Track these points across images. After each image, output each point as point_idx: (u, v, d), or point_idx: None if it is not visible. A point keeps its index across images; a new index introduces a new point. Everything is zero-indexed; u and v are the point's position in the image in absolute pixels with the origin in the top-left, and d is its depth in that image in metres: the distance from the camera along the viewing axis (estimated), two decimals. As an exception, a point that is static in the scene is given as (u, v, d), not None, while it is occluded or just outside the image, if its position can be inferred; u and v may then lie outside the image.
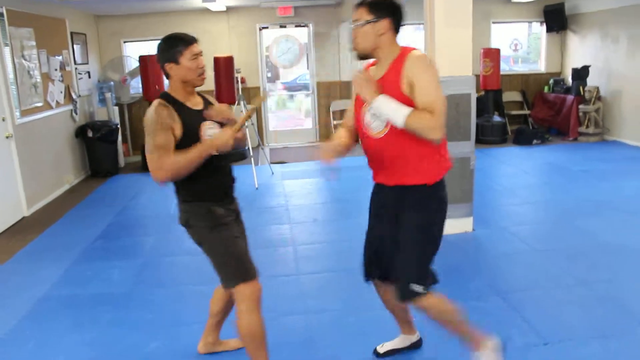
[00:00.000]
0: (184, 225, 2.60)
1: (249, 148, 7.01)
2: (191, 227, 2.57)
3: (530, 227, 5.02)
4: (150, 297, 3.83)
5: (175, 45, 2.45)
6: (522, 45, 10.56)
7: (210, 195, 2.54)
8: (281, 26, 9.51)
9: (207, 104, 2.63)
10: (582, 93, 8.94)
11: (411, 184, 2.36)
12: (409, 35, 10.24)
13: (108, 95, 8.25)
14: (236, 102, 7.30)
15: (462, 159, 4.73)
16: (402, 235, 2.40)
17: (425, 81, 2.18)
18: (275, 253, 4.62)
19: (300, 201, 6.21)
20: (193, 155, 2.36)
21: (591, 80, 9.07)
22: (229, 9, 9.04)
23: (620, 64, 8.66)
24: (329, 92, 9.80)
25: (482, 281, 3.85)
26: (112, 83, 8.61)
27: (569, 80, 9.59)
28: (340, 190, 6.56)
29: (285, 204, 6.10)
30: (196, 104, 2.57)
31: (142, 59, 7.84)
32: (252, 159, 7.07)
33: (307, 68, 10.21)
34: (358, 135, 2.53)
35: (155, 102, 2.45)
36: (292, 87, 14.04)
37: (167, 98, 2.48)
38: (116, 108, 8.44)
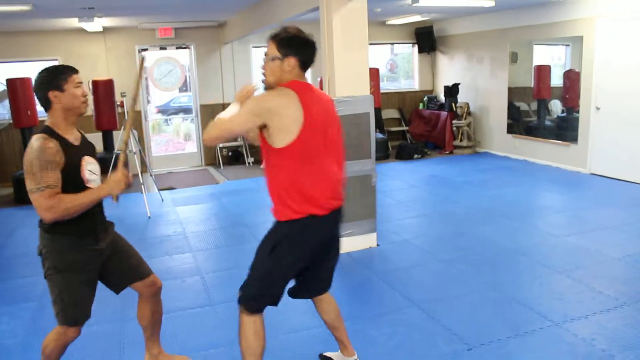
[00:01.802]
0: (39, 254, 2.53)
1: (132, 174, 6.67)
2: (44, 260, 2.50)
3: (431, 238, 5.28)
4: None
5: (59, 73, 2.41)
6: (398, 65, 11.18)
7: (73, 231, 2.45)
8: (162, 48, 9.21)
9: (85, 140, 2.59)
10: (454, 109, 9.64)
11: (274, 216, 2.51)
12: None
13: (-30, 123, 7.43)
14: (122, 127, 6.90)
15: (363, 176, 4.87)
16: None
17: (244, 105, 2.41)
18: (183, 284, 4.41)
19: (197, 227, 6.00)
20: (87, 200, 2.36)
21: (461, 97, 9.83)
22: (106, 30, 8.59)
23: (486, 82, 9.48)
24: (213, 115, 9.60)
25: (397, 294, 3.97)
26: (-27, 109, 7.77)
27: (442, 97, 10.31)
28: (236, 214, 6.45)
29: (183, 231, 5.86)
30: (76, 138, 2.51)
31: (11, 82, 7.17)
32: (142, 186, 6.72)
33: (190, 90, 9.97)
34: None
35: (39, 137, 2.32)
36: (166, 110, 13.62)
37: (51, 133, 2.37)
38: (-21, 136, 7.63)
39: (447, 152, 9.67)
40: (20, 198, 7.37)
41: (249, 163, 9.49)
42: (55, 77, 2.39)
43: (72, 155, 2.39)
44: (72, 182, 2.38)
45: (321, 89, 8.30)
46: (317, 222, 2.42)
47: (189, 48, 9.38)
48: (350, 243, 4.82)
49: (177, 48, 9.32)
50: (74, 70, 2.47)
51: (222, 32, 9.26)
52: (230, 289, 4.20)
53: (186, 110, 12.73)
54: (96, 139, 8.33)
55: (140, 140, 9.02)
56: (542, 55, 8.89)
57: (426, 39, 10.38)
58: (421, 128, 10.32)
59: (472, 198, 6.65)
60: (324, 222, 2.45)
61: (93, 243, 2.52)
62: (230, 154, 9.64)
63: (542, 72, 8.90)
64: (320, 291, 2.73)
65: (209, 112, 9.56)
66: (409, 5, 7.28)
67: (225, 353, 3.24)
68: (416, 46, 10.68)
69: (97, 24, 7.56)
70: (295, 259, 2.47)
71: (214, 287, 4.32)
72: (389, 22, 9.89)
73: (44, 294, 4.28)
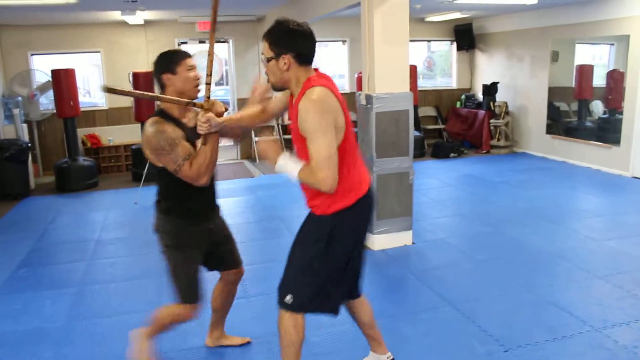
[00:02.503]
0: (155, 231, 2.66)
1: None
2: (160, 238, 2.65)
3: (467, 238, 5.22)
4: (93, 329, 3.55)
5: (172, 56, 2.51)
6: (435, 62, 11.07)
7: (185, 212, 2.61)
8: (200, 41, 9.32)
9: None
10: (492, 108, 9.49)
11: (314, 211, 2.43)
12: (337, 50, 10.43)
13: (16, 111, 7.65)
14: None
15: (401, 174, 4.85)
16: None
17: (311, 131, 2.16)
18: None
19: (233, 220, 5.99)
20: (213, 140, 2.42)
21: (500, 96, 9.67)
22: (147, 23, 8.74)
23: (525, 81, 9.30)
24: (250, 108, 9.68)
25: (432, 292, 3.94)
26: (19, 98, 7.99)
27: (479, 95, 10.17)
28: (271, 207, 6.50)
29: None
30: (190, 120, 2.56)
31: (55, 73, 7.38)
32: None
33: (227, 84, 10.07)
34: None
35: (153, 121, 2.44)
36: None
37: (163, 115, 2.48)
38: (25, 125, 7.84)
39: (484, 151, 9.54)
40: (62, 186, 7.58)
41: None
42: (169, 61, 2.49)
43: (187, 138, 2.45)
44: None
45: (360, 84, 8.27)
46: (364, 204, 2.39)
47: (227, 42, 9.46)
48: (386, 240, 4.81)
49: (216, 42, 9.40)
50: (186, 55, 2.54)
51: (260, 26, 9.31)
52: (265, 282, 4.25)
53: (224, 103, 12.90)
54: (136, 130, 8.51)
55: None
56: (584, 54, 8.68)
57: (465, 37, 10.24)
58: (458, 127, 10.20)
59: (509, 198, 6.55)
60: (369, 203, 2.43)
61: (204, 222, 2.67)
62: (265, 147, 9.68)
63: (584, 71, 8.68)
64: (359, 290, 2.66)
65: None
66: (449, 2, 7.19)
67: (262, 344, 3.27)
68: (455, 44, 10.55)
69: (138, 17, 7.70)
70: (351, 249, 2.41)
71: (250, 279, 4.34)
72: (428, 19, 9.79)
73: (83, 280, 4.42)
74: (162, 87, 2.53)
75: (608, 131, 7.98)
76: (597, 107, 8.69)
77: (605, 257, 4.59)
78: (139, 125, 8.25)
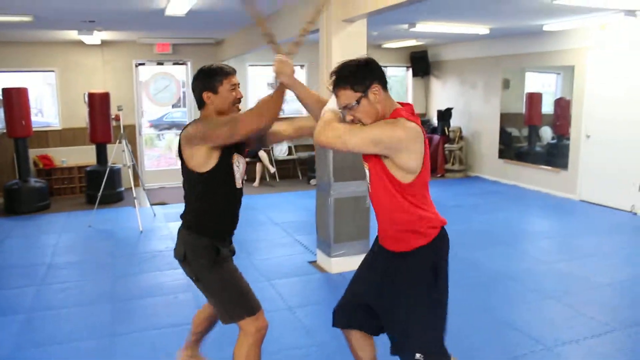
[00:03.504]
0: (180, 260, 2.52)
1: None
2: (188, 262, 2.50)
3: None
4: (42, 357, 3.42)
5: (215, 74, 2.43)
6: (391, 88, 11.29)
7: (216, 231, 2.52)
8: (159, 63, 9.26)
9: None
10: (446, 133, 9.75)
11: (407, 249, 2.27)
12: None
13: (-37, 131, 7.40)
14: (117, 141, 6.90)
15: (357, 197, 4.91)
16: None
17: (377, 127, 2.09)
18: (176, 300, 4.38)
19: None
20: (279, 91, 2.35)
21: (454, 121, 9.96)
22: (104, 43, 8.64)
23: (478, 107, 9.62)
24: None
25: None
26: (-33, 118, 7.74)
27: (434, 120, 10.43)
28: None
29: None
30: None
31: (6, 92, 7.19)
32: (135, 200, 6.70)
33: (184, 106, 10.02)
34: None
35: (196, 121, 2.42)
36: (158, 125, 13.65)
37: None
38: (-28, 146, 7.59)
39: (439, 175, 9.76)
40: (11, 208, 7.34)
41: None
42: (212, 79, 2.42)
43: (225, 149, 2.41)
44: (223, 171, 2.44)
45: None
46: (445, 230, 2.31)
47: (185, 64, 9.44)
48: (343, 263, 4.83)
49: (174, 64, 9.38)
50: (230, 72, 2.47)
51: (219, 49, 9.35)
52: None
53: (179, 126, 12.78)
54: (91, 151, 8.35)
55: (134, 155, 9.02)
56: (533, 82, 9.06)
57: (420, 63, 10.53)
58: (413, 150, 10.39)
59: (463, 222, 6.70)
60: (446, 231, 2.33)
61: (229, 244, 2.60)
62: (223, 170, 9.64)
63: (534, 99, 9.06)
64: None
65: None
66: (405, 30, 7.40)
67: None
68: (410, 70, 10.82)
69: (96, 37, 7.62)
70: (446, 280, 2.32)
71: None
72: (385, 46, 10.03)
73: (32, 306, 4.26)
74: (201, 105, 2.47)
75: (556, 156, 8.32)
76: (546, 133, 9.06)
77: (555, 278, 4.75)
78: (94, 146, 8.12)
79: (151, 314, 4.10)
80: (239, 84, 2.50)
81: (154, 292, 4.55)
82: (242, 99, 2.51)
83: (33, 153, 8.32)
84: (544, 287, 4.50)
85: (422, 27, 7.10)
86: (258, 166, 9.34)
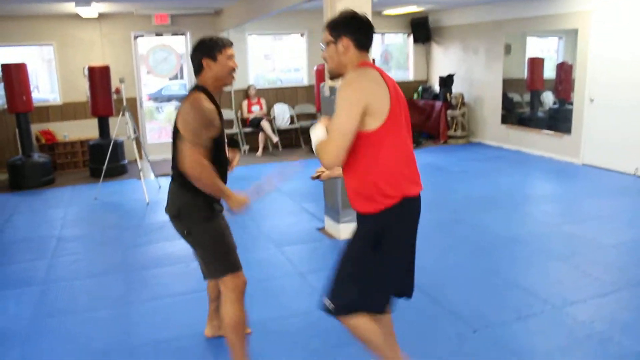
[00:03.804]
0: (173, 216, 2.64)
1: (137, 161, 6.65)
2: (181, 218, 2.62)
3: (430, 225, 5.26)
4: (60, 327, 3.48)
5: (215, 44, 2.58)
6: (392, 55, 11.21)
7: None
8: (157, 34, 9.15)
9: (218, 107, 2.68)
10: (448, 99, 9.71)
11: (358, 211, 2.35)
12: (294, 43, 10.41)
13: (-37, 107, 7.36)
14: (121, 113, 6.87)
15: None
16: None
17: (337, 103, 2.17)
18: (187, 269, 4.42)
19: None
20: (219, 187, 2.54)
21: (455, 88, 9.90)
22: (101, 16, 8.51)
23: (480, 73, 9.55)
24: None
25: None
26: (-34, 94, 7.69)
27: (436, 87, 10.38)
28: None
29: (182, 217, 5.87)
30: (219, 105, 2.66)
31: (6, 67, 7.12)
32: (140, 172, 6.71)
33: (182, 78, 9.94)
34: None
35: (202, 95, 2.51)
36: (157, 98, 13.56)
37: (207, 94, 2.55)
38: (-27, 121, 7.56)
39: (442, 141, 9.75)
40: (16, 183, 7.35)
41: (244, 151, 9.50)
42: (212, 47, 2.56)
43: (221, 120, 2.60)
44: (218, 145, 2.59)
45: (319, 77, 8.32)
46: (413, 203, 2.30)
47: (184, 35, 9.33)
48: (350, 229, 4.85)
49: (172, 35, 9.27)
50: (229, 43, 2.62)
51: (218, 19, 9.23)
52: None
53: (178, 98, 12.72)
54: (92, 125, 8.32)
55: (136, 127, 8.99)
56: (535, 47, 8.98)
57: (421, 30, 10.42)
58: (415, 118, 10.36)
59: (468, 187, 6.73)
60: (417, 203, 2.34)
61: (217, 201, 2.69)
62: (226, 141, 9.60)
63: (536, 64, 8.99)
64: (411, 290, 2.54)
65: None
66: (407, -5, 7.30)
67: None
68: (411, 36, 10.72)
69: (93, 10, 7.51)
70: (400, 252, 2.34)
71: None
72: (385, 12, 9.91)
73: (47, 278, 4.31)
74: (199, 70, 2.59)
75: (559, 121, 8.30)
76: (548, 98, 9.02)
77: (560, 240, 4.80)
78: (96, 120, 8.09)
79: (164, 282, 4.15)
80: (234, 54, 2.64)
81: (164, 261, 4.60)
82: (235, 69, 2.65)
83: (34, 129, 8.26)
84: (550, 249, 4.55)
85: (424, -9, 7.01)
86: (261, 136, 9.32)
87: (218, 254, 2.64)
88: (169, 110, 12.60)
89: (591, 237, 4.82)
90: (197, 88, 2.58)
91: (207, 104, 2.50)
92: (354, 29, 2.26)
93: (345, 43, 2.24)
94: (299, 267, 4.36)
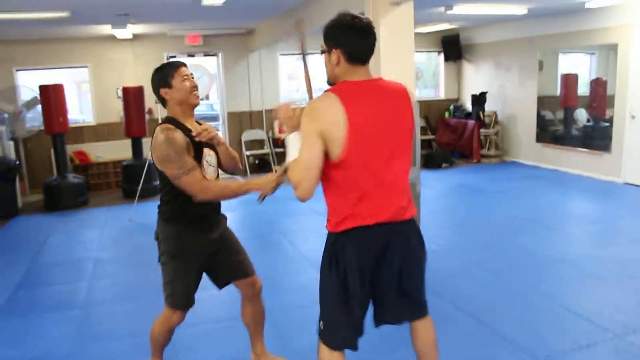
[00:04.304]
0: (155, 239, 2.68)
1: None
2: (160, 245, 2.66)
3: (473, 247, 5.20)
4: (105, 352, 3.41)
5: (165, 70, 2.53)
6: (423, 74, 11.12)
7: (187, 220, 2.58)
8: (189, 55, 9.22)
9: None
10: (481, 117, 9.56)
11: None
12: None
13: (1, 128, 7.44)
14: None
15: (410, 184, 4.80)
16: None
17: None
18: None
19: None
20: (237, 190, 2.51)
21: (488, 106, 9.75)
22: (135, 37, 8.62)
23: (513, 91, 9.40)
24: (241, 123, 9.62)
25: (447, 303, 3.89)
26: (5, 115, 7.79)
27: (468, 105, 10.24)
28: (267, 221, 6.43)
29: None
30: (195, 128, 2.55)
31: (44, 89, 7.22)
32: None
33: (217, 97, 9.98)
34: None
35: (163, 128, 2.45)
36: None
37: (173, 122, 2.49)
38: (11, 143, 7.63)
39: (475, 161, 9.59)
40: (52, 204, 7.38)
41: (275, 171, 9.43)
42: (163, 75, 2.52)
43: (194, 145, 2.49)
44: None
45: None
46: (364, 233, 2.14)
47: (216, 55, 9.39)
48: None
49: (205, 55, 9.34)
50: (179, 65, 2.55)
51: (250, 39, 9.27)
52: (279, 295, 4.15)
53: (206, 119, 12.78)
54: (125, 146, 8.35)
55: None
56: (567, 63, 8.82)
57: (453, 47, 10.33)
58: (447, 137, 10.25)
59: (506, 207, 6.57)
60: (376, 234, 2.15)
61: (206, 231, 2.64)
62: (257, 161, 9.60)
63: (569, 80, 8.82)
64: (402, 316, 2.36)
65: (237, 120, 9.57)
66: (441, 13, 7.23)
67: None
68: (442, 54, 10.63)
69: (128, 31, 7.59)
70: (348, 276, 2.15)
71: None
72: (416, 31, 9.82)
73: (87, 301, 4.26)
74: (163, 102, 2.57)
75: (595, 138, 8.10)
76: (582, 115, 8.83)
77: (611, 262, 4.60)
78: (129, 140, 8.13)
79: (207, 307, 4.06)
80: (191, 74, 2.56)
81: (205, 284, 4.50)
82: (198, 87, 2.57)
83: (69, 149, 8.36)
84: (602, 272, 4.36)
85: (459, 9, 6.94)
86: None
87: (169, 289, 2.65)
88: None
89: (644, 259, 4.62)
90: (163, 121, 2.53)
91: (173, 134, 2.41)
92: (346, 40, 2.09)
93: (336, 55, 2.11)
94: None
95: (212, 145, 2.62)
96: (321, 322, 2.25)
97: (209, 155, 2.58)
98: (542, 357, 3.09)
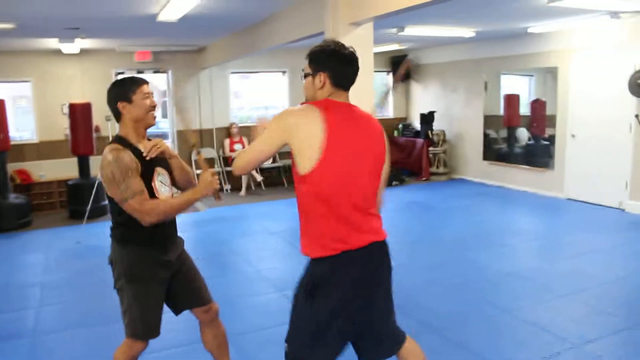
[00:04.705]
0: (110, 263, 2.55)
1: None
2: (114, 269, 2.53)
3: (429, 263, 5.28)
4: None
5: (127, 84, 2.45)
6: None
7: (141, 242, 2.47)
8: (139, 71, 9.00)
9: None
10: (430, 136, 9.80)
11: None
12: (272, 81, 10.40)
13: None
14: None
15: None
16: None
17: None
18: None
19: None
20: (183, 202, 2.40)
21: (436, 125, 10.02)
22: (82, 52, 8.35)
23: (460, 110, 9.71)
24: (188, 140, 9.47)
25: (410, 319, 3.90)
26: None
27: (416, 124, 10.49)
28: (221, 241, 6.33)
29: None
30: (146, 148, 2.47)
31: (-16, 105, 6.87)
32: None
33: (167, 116, 9.80)
34: None
35: (111, 148, 2.36)
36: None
37: (122, 142, 2.41)
38: (-54, 162, 7.20)
39: (424, 178, 9.80)
40: (-7, 226, 6.99)
41: (226, 190, 9.34)
42: (125, 89, 2.43)
43: (145, 165, 2.41)
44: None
45: None
46: (350, 258, 2.12)
47: (166, 72, 9.23)
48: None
49: (154, 72, 9.16)
50: (143, 82, 2.47)
51: (200, 56, 9.18)
52: (238, 319, 4.07)
53: (153, 136, 12.50)
54: (71, 164, 8.05)
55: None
56: (508, 85, 9.21)
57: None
58: (396, 155, 10.40)
59: (457, 224, 6.72)
60: (357, 259, 2.14)
61: (162, 254, 2.52)
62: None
63: (512, 101, 9.22)
64: (385, 352, 2.35)
65: (187, 138, 9.39)
66: (392, 33, 7.40)
67: None
68: (391, 74, 10.87)
69: (76, 46, 7.37)
70: (333, 306, 2.13)
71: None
72: (366, 51, 10.01)
73: (36, 329, 4.03)
74: (117, 116, 2.46)
75: (536, 156, 8.47)
76: (523, 134, 9.25)
77: (559, 276, 4.78)
78: (74, 159, 7.84)
79: (166, 330, 3.92)
80: (152, 92, 2.50)
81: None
82: (156, 108, 2.50)
83: (9, 168, 7.95)
84: (554, 285, 4.53)
85: (411, 30, 7.13)
86: (244, 175, 9.19)
87: (129, 316, 2.51)
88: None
89: (591, 272, 4.82)
90: (112, 140, 2.45)
91: (121, 154, 2.33)
92: (333, 66, 2.17)
93: (322, 78, 2.17)
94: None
95: (164, 164, 2.55)
96: (294, 346, 2.20)
97: (161, 174, 2.51)
98: (509, 370, 3.16)
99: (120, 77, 2.54)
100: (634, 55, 6.70)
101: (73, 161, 7.95)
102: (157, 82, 9.26)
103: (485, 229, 6.44)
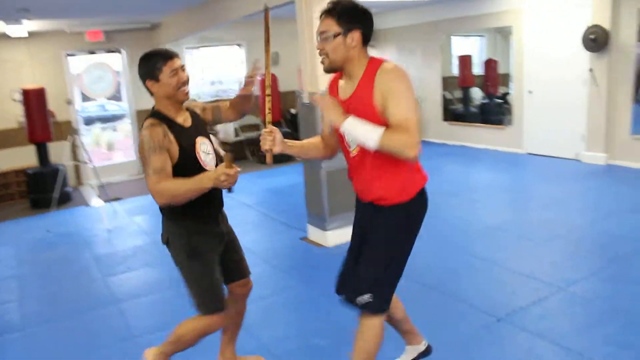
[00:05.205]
0: (165, 244, 2.52)
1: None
2: (172, 247, 2.50)
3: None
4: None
5: (154, 62, 2.35)
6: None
7: (194, 215, 2.44)
8: (90, 52, 8.71)
9: (196, 119, 2.53)
10: (389, 101, 9.90)
11: (384, 204, 2.29)
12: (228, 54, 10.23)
13: None
14: (68, 138, 6.45)
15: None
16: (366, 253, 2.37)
17: (398, 96, 2.06)
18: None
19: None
20: (191, 186, 2.23)
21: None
22: (31, 35, 7.96)
23: (419, 72, 9.81)
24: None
25: (408, 280, 4.03)
26: None
27: (375, 90, 10.56)
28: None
29: (152, 240, 5.55)
30: (186, 119, 2.45)
31: None
32: (99, 198, 6.33)
33: (121, 96, 9.53)
34: (338, 146, 2.48)
35: (148, 121, 2.32)
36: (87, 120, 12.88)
37: (159, 116, 2.36)
38: None
39: (387, 143, 9.90)
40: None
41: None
42: (150, 67, 2.34)
43: (184, 137, 2.36)
44: (190, 164, 2.35)
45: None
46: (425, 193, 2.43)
47: (120, 52, 8.94)
48: (340, 235, 4.80)
49: (107, 52, 8.85)
50: (169, 57, 2.35)
51: (154, 34, 8.92)
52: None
53: (105, 119, 12.12)
54: (28, 152, 7.76)
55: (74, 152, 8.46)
56: (461, 46, 9.41)
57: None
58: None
59: (427, 184, 6.87)
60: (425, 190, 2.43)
61: (215, 226, 2.53)
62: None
63: (465, 62, 9.44)
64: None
65: (144, 117, 9.18)
66: None
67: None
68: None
69: (23, 28, 7.01)
70: (415, 237, 2.39)
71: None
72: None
73: (24, 322, 3.93)
74: (150, 92, 2.40)
75: (492, 114, 8.75)
76: (476, 94, 9.52)
77: (534, 225, 5.02)
78: (30, 146, 7.56)
79: (162, 310, 3.92)
80: (182, 66, 2.39)
81: (155, 288, 4.35)
82: (188, 81, 2.41)
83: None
84: (531, 234, 4.74)
85: (370, -4, 7.12)
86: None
87: (198, 294, 2.49)
88: (96, 132, 11.96)
89: (561, 220, 5.06)
90: (150, 115, 2.39)
91: (153, 130, 2.27)
92: (367, 23, 2.15)
93: (357, 36, 2.13)
94: (302, 280, 4.28)
95: (205, 132, 2.52)
96: (389, 289, 2.36)
97: (203, 143, 2.45)
98: (504, 316, 3.33)
99: (148, 51, 2.40)
100: (586, 11, 6.93)
101: (29, 149, 7.66)
102: (112, 62, 8.94)
103: (453, 187, 6.61)
